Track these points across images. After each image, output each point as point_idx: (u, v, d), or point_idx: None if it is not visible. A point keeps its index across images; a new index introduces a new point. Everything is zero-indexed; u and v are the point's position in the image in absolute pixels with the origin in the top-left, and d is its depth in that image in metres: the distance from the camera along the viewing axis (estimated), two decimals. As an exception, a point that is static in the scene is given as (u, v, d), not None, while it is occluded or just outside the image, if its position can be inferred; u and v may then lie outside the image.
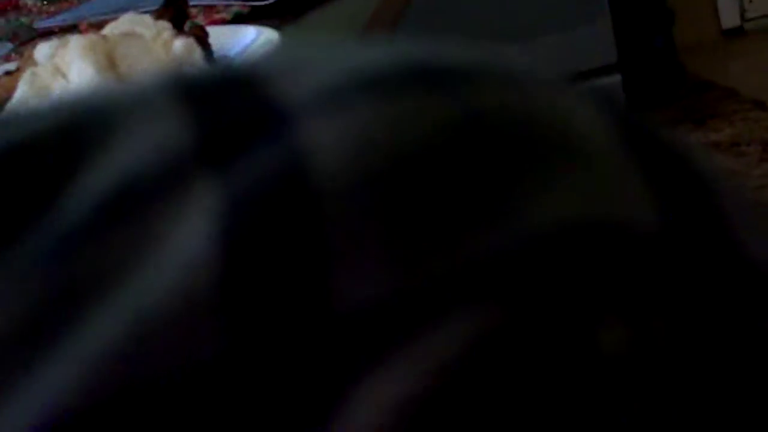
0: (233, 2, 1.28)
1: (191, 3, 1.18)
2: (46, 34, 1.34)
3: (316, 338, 0.26)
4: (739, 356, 0.29)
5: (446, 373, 0.26)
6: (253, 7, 1.26)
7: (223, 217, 0.27)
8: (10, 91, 0.98)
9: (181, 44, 0.96)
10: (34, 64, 0.99)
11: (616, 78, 2.99)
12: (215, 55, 1.04)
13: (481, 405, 0.26)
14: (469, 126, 0.29)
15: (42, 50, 0.99)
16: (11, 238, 0.28)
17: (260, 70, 0.31)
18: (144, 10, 1.21)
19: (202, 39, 1.01)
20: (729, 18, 3.92)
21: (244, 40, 1.07)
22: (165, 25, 0.99)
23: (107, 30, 1.02)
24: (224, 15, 1.25)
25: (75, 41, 0.95)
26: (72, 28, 1.34)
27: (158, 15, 1.06)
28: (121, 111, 0.30)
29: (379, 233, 0.27)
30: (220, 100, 0.30)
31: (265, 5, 1.25)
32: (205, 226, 0.27)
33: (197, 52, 0.97)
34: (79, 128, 0.30)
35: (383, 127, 0.28)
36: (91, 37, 0.96)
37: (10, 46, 1.27)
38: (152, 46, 0.96)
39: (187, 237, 0.27)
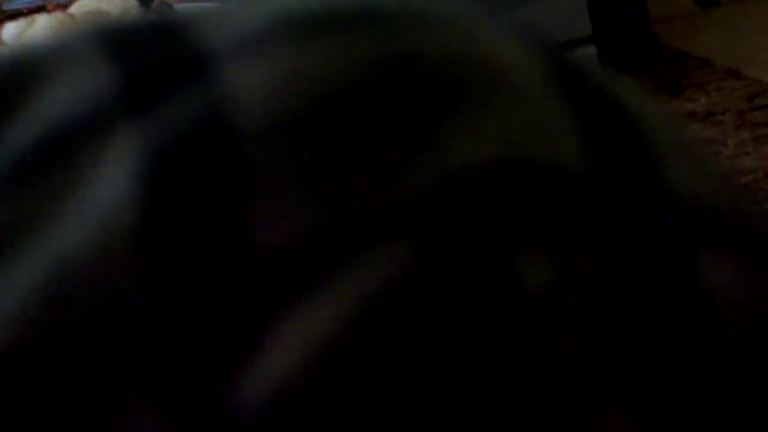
0: (201, -21, 1.27)
1: (159, -19, 1.18)
2: (15, 15, 1.33)
3: (236, 278, 0.26)
4: (666, 290, 0.29)
5: (366, 310, 0.27)
6: (221, -17, 1.25)
7: (143, 162, 0.27)
8: (-22, 72, 0.97)
9: (148, 21, 0.96)
10: (2, 44, 0.99)
11: (591, 50, 2.99)
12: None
13: (402, 344, 0.26)
14: (388, 64, 0.29)
15: (9, 30, 0.99)
16: None
17: (183, 19, 0.31)
18: (112, -11, 1.20)
19: (169, 16, 1.01)
20: (703, -12, 3.91)
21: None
22: (131, 3, 0.99)
23: (74, 9, 1.02)
24: (193, -8, 1.25)
25: (42, 21, 0.95)
26: (40, 9, 1.33)
27: (125, -7, 1.06)
28: (45, 62, 0.30)
29: (299, 171, 0.27)
30: (142, 48, 0.30)
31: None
32: (125, 171, 0.27)
33: (165, 29, 0.97)
34: (1, 81, 0.30)
35: (304, 67, 0.29)
36: (58, 16, 0.96)
37: (-21, 28, 1.27)
38: (119, 24, 0.96)
39: (107, 183, 0.27)
